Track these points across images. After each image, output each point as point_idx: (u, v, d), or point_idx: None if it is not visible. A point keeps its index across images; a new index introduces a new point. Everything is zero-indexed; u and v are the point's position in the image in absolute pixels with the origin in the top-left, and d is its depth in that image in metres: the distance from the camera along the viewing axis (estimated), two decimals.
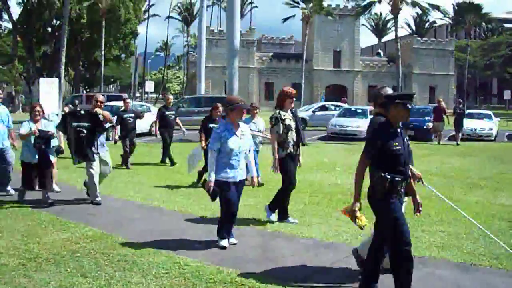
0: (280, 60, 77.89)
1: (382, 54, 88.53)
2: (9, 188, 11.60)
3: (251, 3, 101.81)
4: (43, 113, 11.18)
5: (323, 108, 38.08)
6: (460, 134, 27.70)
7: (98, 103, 10.87)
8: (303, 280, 6.53)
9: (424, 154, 20.46)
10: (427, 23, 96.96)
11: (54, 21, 59.13)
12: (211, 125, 12.76)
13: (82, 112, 10.93)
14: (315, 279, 6.58)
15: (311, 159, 18.76)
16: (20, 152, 10.86)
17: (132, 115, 17.09)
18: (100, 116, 10.69)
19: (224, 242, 7.73)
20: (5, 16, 63.25)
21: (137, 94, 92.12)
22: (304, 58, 63.14)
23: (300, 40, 77.43)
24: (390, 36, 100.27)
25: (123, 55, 76.73)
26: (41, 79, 12.37)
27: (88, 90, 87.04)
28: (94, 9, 53.81)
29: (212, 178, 7.53)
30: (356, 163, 6.04)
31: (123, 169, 16.01)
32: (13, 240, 7.97)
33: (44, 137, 10.46)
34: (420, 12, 51.67)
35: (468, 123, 29.61)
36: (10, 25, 66.39)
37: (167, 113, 17.61)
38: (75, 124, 10.56)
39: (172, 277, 6.54)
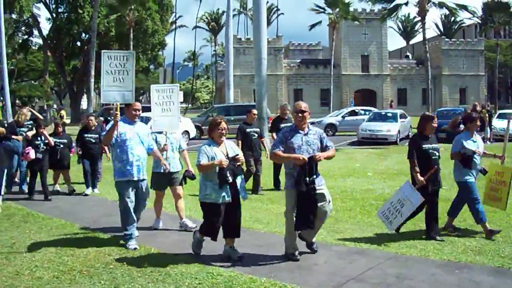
0: (308, 67, 77.60)
1: (410, 56, 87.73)
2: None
3: (277, 10, 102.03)
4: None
5: (352, 113, 37.83)
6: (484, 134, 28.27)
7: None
8: None
9: None
10: (455, 24, 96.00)
11: (83, 35, 59.86)
12: (424, 146, 8.63)
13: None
14: (349, 287, 6.51)
15: (342, 165, 18.67)
16: (199, 189, 7.82)
17: (257, 130, 14.38)
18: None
19: None
20: (36, 32, 64.18)
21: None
22: (332, 63, 62.89)
23: (328, 46, 77.19)
24: (418, 38, 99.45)
25: (151, 66, 77.24)
26: (152, 86, 10.04)
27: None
28: (121, 21, 54.24)
29: None
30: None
31: None
32: (47, 253, 8.02)
33: (233, 167, 7.54)
34: (447, 13, 51.22)
35: (499, 124, 29.25)
36: (40, 41, 67.45)
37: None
38: None
39: (206, 287, 6.51)
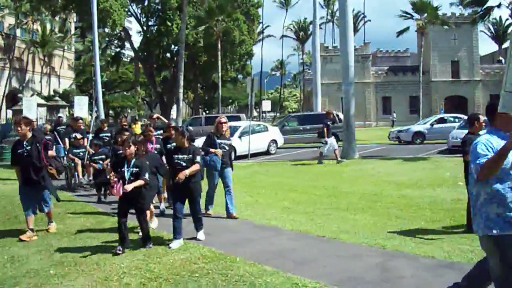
0: (396, 74, 76.47)
1: (504, 61, 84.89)
2: None
3: (364, 17, 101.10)
4: None
5: (441, 120, 36.61)
6: None
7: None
8: None
9: None
10: None
11: (173, 46, 61.18)
12: None
13: None
14: None
15: (431, 174, 18.21)
16: None
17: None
18: None
19: None
20: (127, 45, 66.21)
21: (255, 114, 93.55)
22: (421, 70, 61.72)
23: (416, 52, 75.80)
24: None
25: (239, 76, 78.11)
26: None
27: (207, 111, 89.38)
28: (209, 32, 55.14)
29: None
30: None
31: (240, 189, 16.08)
32: (135, 260, 8.18)
33: None
34: None
35: None
36: (132, 53, 69.53)
37: None
38: None
39: None
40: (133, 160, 9.11)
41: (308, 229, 10.23)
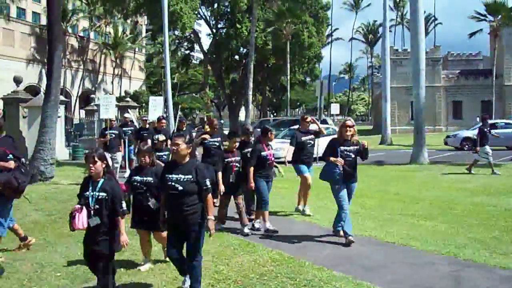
0: (467, 77, 74.63)
1: None
2: None
3: (434, 19, 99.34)
4: None
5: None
6: None
7: None
8: None
9: None
10: None
11: (241, 49, 61.65)
12: None
13: None
14: None
15: (505, 181, 17.73)
16: None
17: None
18: None
19: None
20: (197, 47, 67.12)
21: (323, 117, 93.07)
22: (494, 73, 60.04)
23: (488, 55, 73.85)
24: None
25: (308, 79, 78.00)
26: None
27: (275, 114, 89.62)
28: (278, 35, 55.28)
29: None
30: None
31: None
32: (204, 261, 8.22)
33: None
34: None
35: None
36: (201, 56, 70.40)
37: None
38: None
39: None
40: (101, 182, 6.39)
41: (377, 234, 10.11)
